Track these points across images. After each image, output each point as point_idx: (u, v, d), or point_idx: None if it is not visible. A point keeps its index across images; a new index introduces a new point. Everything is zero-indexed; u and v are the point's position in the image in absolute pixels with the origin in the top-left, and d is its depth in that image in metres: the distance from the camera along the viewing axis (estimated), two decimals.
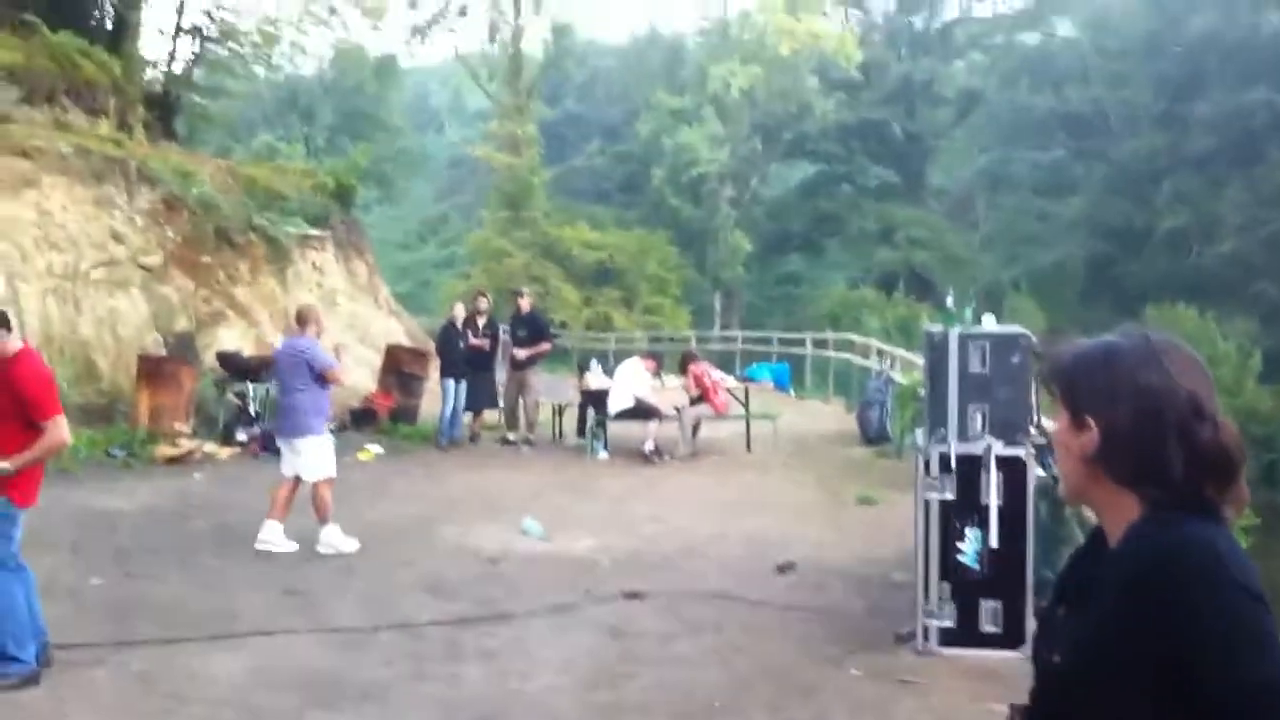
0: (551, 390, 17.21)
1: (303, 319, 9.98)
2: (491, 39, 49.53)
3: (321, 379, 9.57)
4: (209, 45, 27.59)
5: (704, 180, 49.36)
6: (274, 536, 9.43)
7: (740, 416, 15.91)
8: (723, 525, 10.84)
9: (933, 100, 53.90)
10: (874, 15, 58.31)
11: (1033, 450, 6.76)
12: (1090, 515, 2.01)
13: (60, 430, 6.12)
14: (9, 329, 6.20)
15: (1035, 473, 6.75)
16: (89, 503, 10.53)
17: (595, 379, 16.08)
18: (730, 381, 16.92)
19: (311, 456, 9.51)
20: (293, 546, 9.41)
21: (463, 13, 46.63)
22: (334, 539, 9.46)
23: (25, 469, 6.10)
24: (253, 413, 14.68)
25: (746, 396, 16.41)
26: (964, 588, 6.77)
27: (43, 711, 5.80)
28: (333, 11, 34.41)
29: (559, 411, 16.48)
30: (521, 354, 16.04)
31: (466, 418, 16.06)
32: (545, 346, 16.70)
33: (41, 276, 13.86)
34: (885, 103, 52.66)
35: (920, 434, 7.52)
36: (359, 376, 17.41)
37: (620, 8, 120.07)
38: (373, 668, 6.60)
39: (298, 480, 9.58)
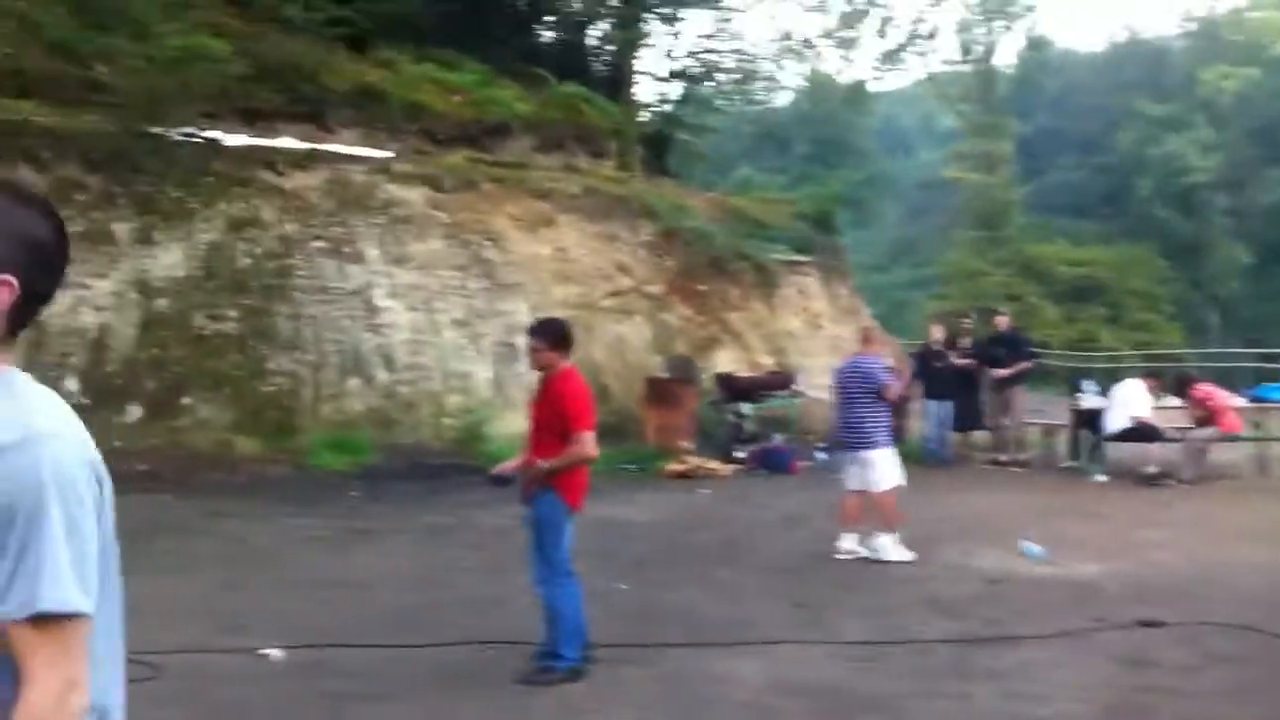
0: (1041, 411, 16.77)
1: (867, 338, 10.66)
2: (962, 58, 48.92)
3: (882, 396, 9.94)
4: (695, 85, 29.13)
5: (1195, 190, 46.21)
6: (848, 544, 9.95)
7: (1253, 439, 14.79)
8: (1239, 553, 10.15)
9: None
10: None
11: None
12: None
13: (585, 444, 6.64)
14: (565, 350, 6.90)
15: None
16: (608, 514, 11.35)
17: (1089, 399, 15.52)
18: (1238, 401, 15.77)
19: (880, 468, 9.91)
20: (861, 551, 9.87)
21: (932, 35, 46.32)
22: (889, 548, 9.80)
23: (571, 474, 6.74)
24: (748, 432, 15.36)
25: (1261, 418, 15.24)
26: None
27: (585, 706, 6.31)
28: (808, 44, 35.38)
29: (1050, 432, 16.03)
30: (1002, 373, 15.77)
31: (954, 438, 15.97)
32: (1025, 365, 16.34)
33: (559, 306, 15.16)
34: None
35: None
36: None
37: (1096, 15, 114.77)
38: (883, 681, 6.70)
39: (863, 492, 10.01)
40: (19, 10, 14.61)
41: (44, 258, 1.88)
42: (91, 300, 13.36)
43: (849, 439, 10.16)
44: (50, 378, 12.39)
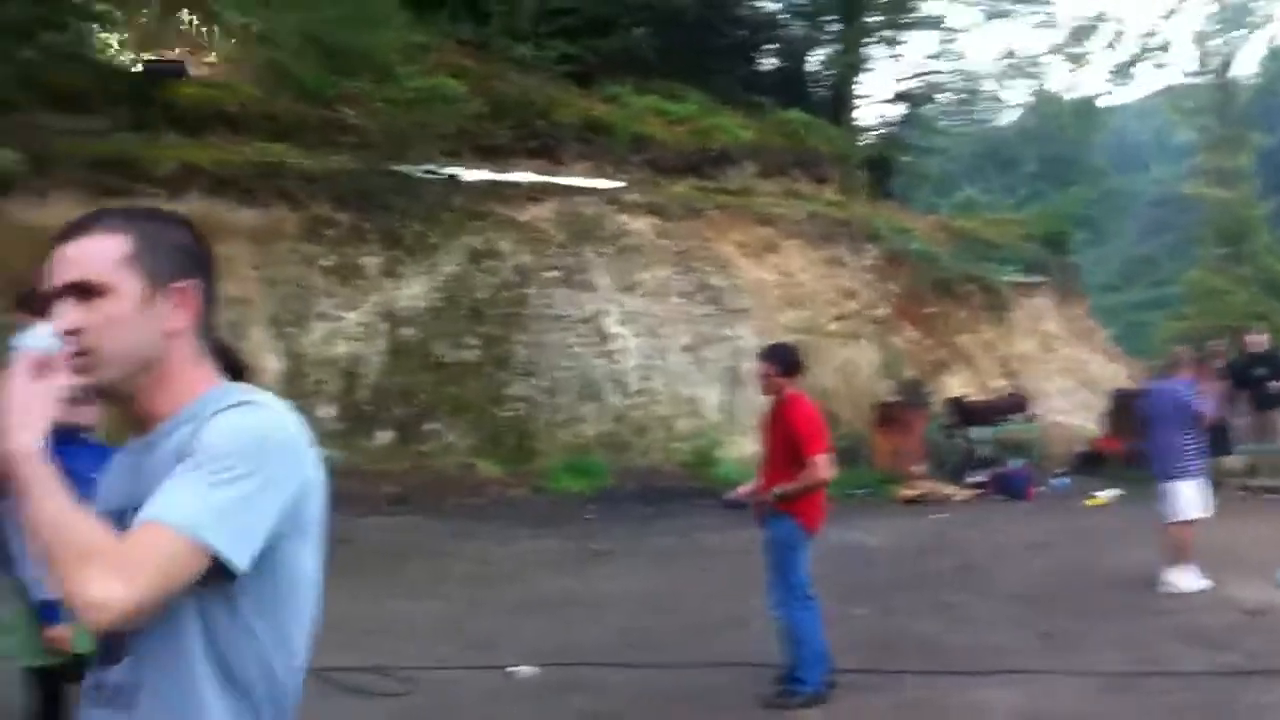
0: None
1: (1176, 363, 10.15)
2: (1200, 69, 46.86)
3: (1193, 422, 9.60)
4: (917, 107, 28.80)
5: None
6: (1175, 578, 9.48)
7: None
8: None
9: None
10: None
11: None
12: None
13: (819, 467, 6.67)
14: (795, 374, 6.95)
15: None
16: (841, 538, 11.25)
17: None
18: None
19: (1184, 498, 9.50)
20: (1204, 584, 9.39)
21: (1164, 47, 44.51)
22: (1181, 580, 9.40)
23: (808, 498, 6.75)
24: (981, 456, 15.07)
25: None
26: None
27: None
28: (1034, 62, 34.57)
29: None
30: None
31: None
32: None
33: (785, 331, 15.18)
34: None
35: None
36: (1082, 421, 17.21)
37: None
38: (1139, 715, 6.49)
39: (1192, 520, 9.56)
40: (270, 58, 15.55)
41: (198, 260, 1.95)
42: (344, 331, 14.10)
43: (1159, 467, 9.73)
44: (307, 405, 13.20)
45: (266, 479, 1.75)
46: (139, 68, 16.11)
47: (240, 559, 1.71)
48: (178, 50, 16.37)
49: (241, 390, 1.89)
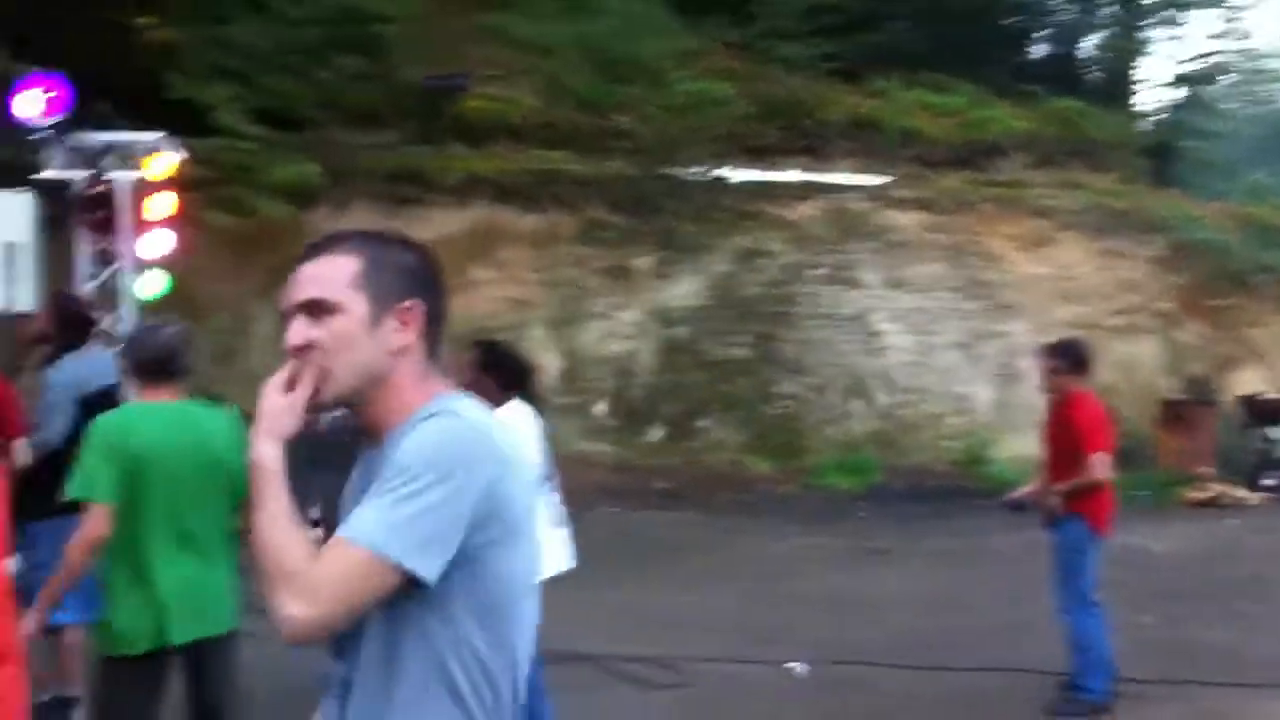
0: None
1: None
2: None
3: None
4: (1200, 89, 27.38)
5: None
6: None
7: None
8: None
9: None
10: None
11: None
12: None
13: (1096, 466, 6.49)
14: (1083, 372, 6.78)
15: None
16: (1125, 542, 10.81)
17: None
18: None
19: None
20: None
21: None
22: None
23: (1095, 499, 6.59)
24: (1278, 457, 14.30)
25: None
26: None
27: None
28: None
29: None
30: None
31: None
32: None
33: (1060, 326, 14.75)
34: None
35: None
36: None
37: None
38: None
39: None
40: (549, 71, 16.15)
41: (424, 281, 2.00)
42: (617, 330, 14.59)
43: None
44: (583, 402, 13.74)
45: (451, 488, 1.79)
46: (425, 84, 16.99)
47: (427, 570, 1.78)
48: (462, 66, 17.18)
49: (445, 401, 1.94)
